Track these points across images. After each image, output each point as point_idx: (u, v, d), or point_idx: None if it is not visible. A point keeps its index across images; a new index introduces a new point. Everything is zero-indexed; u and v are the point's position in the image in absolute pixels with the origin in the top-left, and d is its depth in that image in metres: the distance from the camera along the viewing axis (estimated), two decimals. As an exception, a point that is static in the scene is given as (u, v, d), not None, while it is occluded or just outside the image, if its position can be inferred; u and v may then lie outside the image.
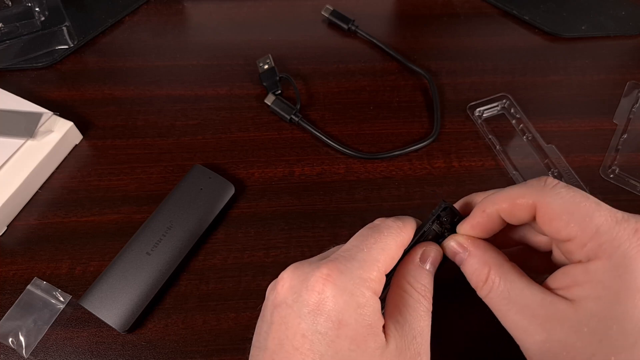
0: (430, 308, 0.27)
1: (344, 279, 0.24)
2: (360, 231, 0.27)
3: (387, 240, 0.26)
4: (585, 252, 0.24)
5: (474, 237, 0.28)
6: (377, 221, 0.28)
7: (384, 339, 0.24)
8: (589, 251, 0.23)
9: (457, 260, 0.28)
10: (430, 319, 0.26)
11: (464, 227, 0.28)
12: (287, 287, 0.25)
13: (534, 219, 0.26)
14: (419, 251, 0.28)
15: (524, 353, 0.25)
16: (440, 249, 0.29)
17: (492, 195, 0.27)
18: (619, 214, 0.24)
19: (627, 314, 0.22)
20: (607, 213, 0.24)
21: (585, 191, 0.27)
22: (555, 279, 0.25)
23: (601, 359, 0.23)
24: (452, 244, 0.28)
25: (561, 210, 0.24)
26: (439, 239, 0.29)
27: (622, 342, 0.22)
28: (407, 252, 0.28)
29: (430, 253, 0.28)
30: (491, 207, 0.27)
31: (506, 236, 0.30)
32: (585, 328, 0.23)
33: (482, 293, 0.26)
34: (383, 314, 0.26)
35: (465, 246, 0.28)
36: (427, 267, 0.28)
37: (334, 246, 0.30)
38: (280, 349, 0.24)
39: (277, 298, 0.25)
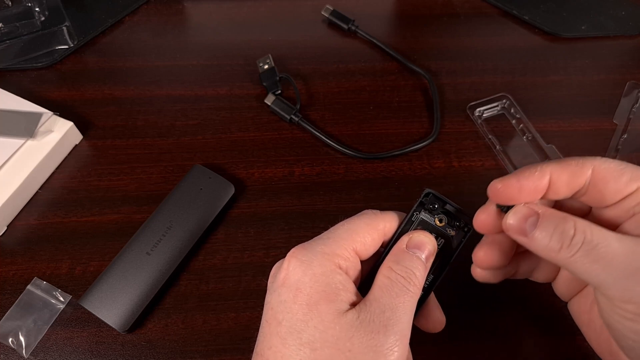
0: (413, 289, 0.26)
1: (305, 253, 0.26)
2: None
3: (355, 222, 0.28)
4: None
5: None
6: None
7: (343, 308, 0.25)
8: None
9: (528, 225, 0.26)
10: (410, 299, 0.26)
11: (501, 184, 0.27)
12: (271, 275, 0.28)
13: (581, 190, 0.26)
14: (405, 239, 0.28)
15: (626, 303, 0.24)
16: (431, 236, 0.28)
17: (550, 161, 0.27)
18: None
19: None
20: None
21: None
22: (631, 228, 0.25)
23: None
24: (522, 208, 0.26)
25: (621, 166, 0.25)
26: (432, 228, 0.29)
27: None
28: (394, 243, 0.28)
29: (418, 240, 0.28)
30: (546, 169, 0.26)
31: None
32: None
33: (568, 251, 0.24)
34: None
35: (536, 209, 0.26)
36: (419, 255, 0.27)
37: None
38: (261, 329, 0.26)
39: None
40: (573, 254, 0.24)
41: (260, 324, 0.27)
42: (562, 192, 0.26)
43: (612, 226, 0.26)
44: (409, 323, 0.25)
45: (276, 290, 0.26)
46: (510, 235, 0.27)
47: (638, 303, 0.23)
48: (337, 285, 0.25)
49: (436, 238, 0.29)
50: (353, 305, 0.25)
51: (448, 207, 0.29)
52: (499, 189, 0.27)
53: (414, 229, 0.29)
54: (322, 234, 0.28)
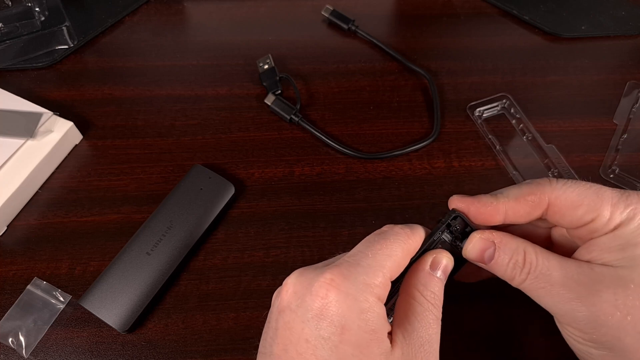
0: (440, 316, 0.26)
1: (347, 284, 0.24)
2: (367, 237, 0.27)
3: (393, 247, 0.26)
4: (611, 223, 0.25)
5: (496, 230, 0.28)
6: (385, 227, 0.28)
7: (389, 345, 0.24)
8: (612, 221, 0.25)
9: (486, 257, 0.28)
10: (439, 327, 0.26)
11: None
12: (291, 292, 0.25)
13: (540, 217, 0.27)
14: (429, 259, 0.28)
15: (571, 327, 0.26)
16: (451, 257, 0.28)
17: (505, 192, 0.28)
18: (620, 190, 0.26)
19: None
20: (613, 190, 0.26)
21: None
22: (581, 254, 0.26)
23: None
24: (478, 241, 0.28)
25: (579, 196, 0.26)
26: (448, 245, 0.29)
27: None
28: (416, 259, 0.28)
29: (442, 260, 0.28)
30: (501, 206, 0.28)
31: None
32: (631, 284, 0.24)
33: (520, 278, 0.26)
34: (391, 321, 0.26)
35: (492, 239, 0.28)
36: (438, 275, 0.27)
37: (339, 254, 0.29)
38: (284, 354, 0.24)
39: (281, 304, 0.26)
40: (523, 280, 0.26)
41: (271, 341, 0.25)
42: (520, 221, 0.28)
43: (578, 242, 0.28)
44: (438, 351, 0.26)
45: (311, 321, 0.24)
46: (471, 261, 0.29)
47: (578, 328, 0.25)
48: (381, 321, 0.25)
49: (450, 252, 0.29)
50: (389, 334, 0.25)
51: (470, 229, 0.29)
52: (460, 207, 0.29)
53: (435, 247, 0.29)
54: (358, 256, 0.26)
